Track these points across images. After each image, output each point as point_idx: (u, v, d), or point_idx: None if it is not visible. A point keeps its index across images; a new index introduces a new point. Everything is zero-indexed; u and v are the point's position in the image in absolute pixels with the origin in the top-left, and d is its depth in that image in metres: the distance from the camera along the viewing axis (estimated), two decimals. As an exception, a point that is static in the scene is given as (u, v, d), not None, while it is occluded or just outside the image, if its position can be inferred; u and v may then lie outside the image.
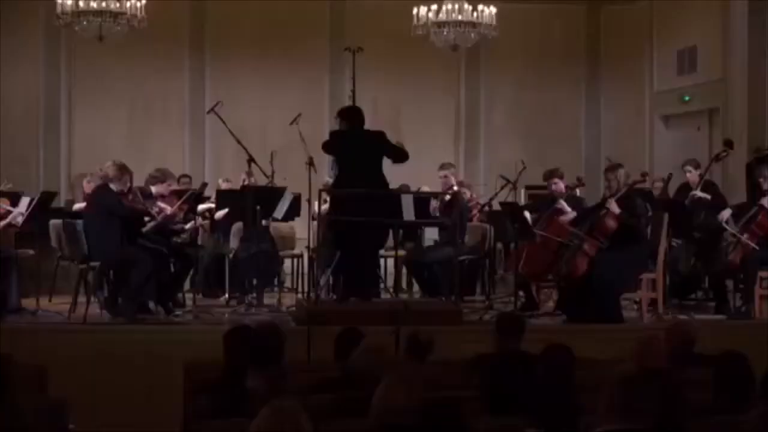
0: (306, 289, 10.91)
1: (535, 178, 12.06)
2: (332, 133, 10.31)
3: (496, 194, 11.17)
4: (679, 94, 15.02)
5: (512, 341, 6.73)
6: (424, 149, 15.38)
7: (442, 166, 11.31)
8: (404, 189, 11.79)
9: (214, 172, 14.60)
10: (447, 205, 10.85)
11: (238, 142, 10.04)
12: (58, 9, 12.52)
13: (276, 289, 11.00)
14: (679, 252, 10.83)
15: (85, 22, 12.60)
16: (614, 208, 9.42)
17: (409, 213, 9.94)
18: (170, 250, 9.98)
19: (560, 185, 10.39)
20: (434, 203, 10.85)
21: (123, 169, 9.63)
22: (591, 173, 15.36)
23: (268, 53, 15.51)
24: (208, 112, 10.26)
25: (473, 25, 13.49)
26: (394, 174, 12.52)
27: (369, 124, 16.07)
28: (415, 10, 13.40)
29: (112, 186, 9.50)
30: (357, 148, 9.80)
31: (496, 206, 11.40)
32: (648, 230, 9.87)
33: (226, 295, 10.82)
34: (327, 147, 10.17)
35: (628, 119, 16.11)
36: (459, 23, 13.39)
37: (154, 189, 10.31)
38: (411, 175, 12.09)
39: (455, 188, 11.04)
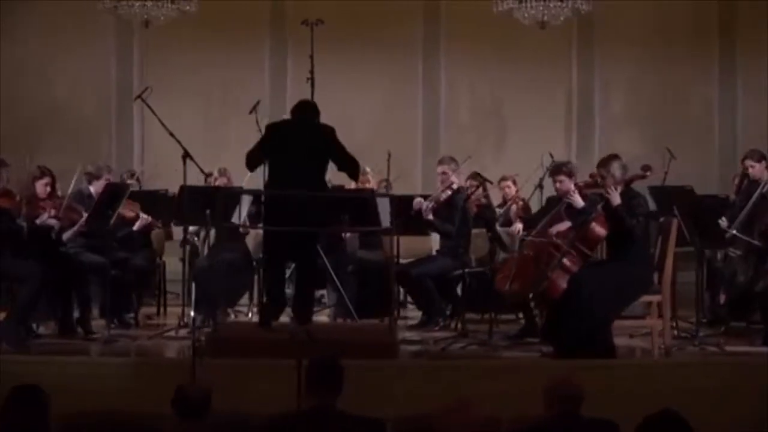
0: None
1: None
2: (266, 128, 8.51)
3: (470, 196, 9.26)
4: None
5: (325, 396, 5.17)
6: (531, 141, 13.74)
7: (441, 161, 9.55)
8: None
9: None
10: (443, 208, 9.21)
11: (171, 134, 8.76)
12: (100, -6, 11.89)
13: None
14: (736, 265, 8.81)
15: (127, 7, 11.93)
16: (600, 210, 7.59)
17: (386, 219, 8.47)
18: (116, 262, 8.82)
19: (566, 184, 8.19)
20: (426, 204, 9.21)
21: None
22: (725, 168, 13.59)
23: (356, 39, 14.20)
24: (135, 99, 9.07)
25: (561, -1, 11.82)
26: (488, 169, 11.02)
27: (468, 114, 14.76)
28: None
29: None
30: (291, 142, 7.99)
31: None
32: (658, 239, 7.93)
33: (191, 314, 9.42)
34: (253, 154, 8.32)
35: (768, 105, 13.79)
36: (544, -3, 11.74)
37: (92, 188, 9.12)
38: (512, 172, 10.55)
39: (454, 187, 9.34)
